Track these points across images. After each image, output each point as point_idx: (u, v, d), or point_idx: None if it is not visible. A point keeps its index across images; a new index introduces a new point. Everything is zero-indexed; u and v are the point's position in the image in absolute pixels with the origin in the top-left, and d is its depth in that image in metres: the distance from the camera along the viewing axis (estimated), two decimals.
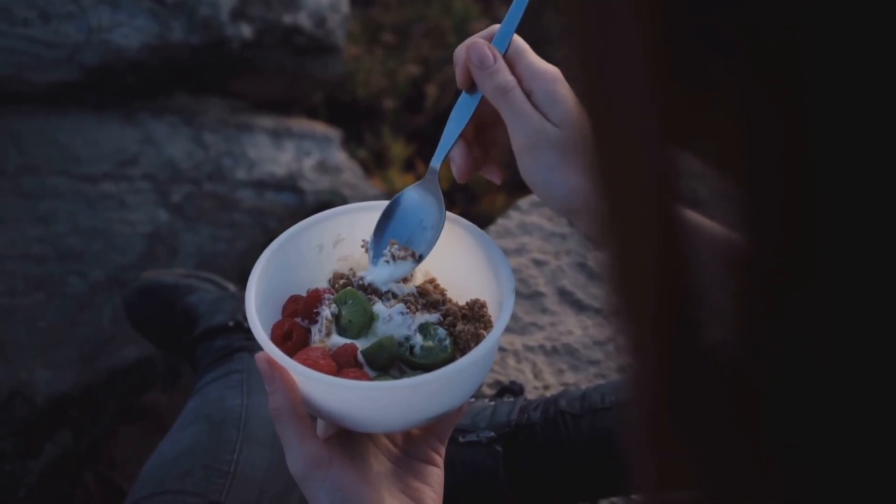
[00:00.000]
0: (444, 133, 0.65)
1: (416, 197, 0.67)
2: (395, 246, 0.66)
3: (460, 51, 0.63)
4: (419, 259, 0.66)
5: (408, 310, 0.65)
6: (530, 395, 1.15)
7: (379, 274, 0.66)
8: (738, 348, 0.26)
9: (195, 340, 1.18)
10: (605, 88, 0.26)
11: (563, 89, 0.61)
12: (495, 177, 0.68)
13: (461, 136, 0.65)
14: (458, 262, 0.69)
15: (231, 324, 1.15)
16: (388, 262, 0.66)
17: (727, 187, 0.24)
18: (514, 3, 0.63)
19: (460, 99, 0.65)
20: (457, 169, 0.65)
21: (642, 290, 0.28)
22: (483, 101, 0.64)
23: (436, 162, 0.66)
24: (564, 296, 1.34)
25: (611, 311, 0.28)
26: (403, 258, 0.66)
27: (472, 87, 0.64)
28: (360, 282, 0.67)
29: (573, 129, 0.60)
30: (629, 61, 0.25)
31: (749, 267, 0.25)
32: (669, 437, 0.29)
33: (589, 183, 0.61)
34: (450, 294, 0.69)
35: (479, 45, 0.62)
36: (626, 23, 0.24)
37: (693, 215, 0.27)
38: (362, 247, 0.68)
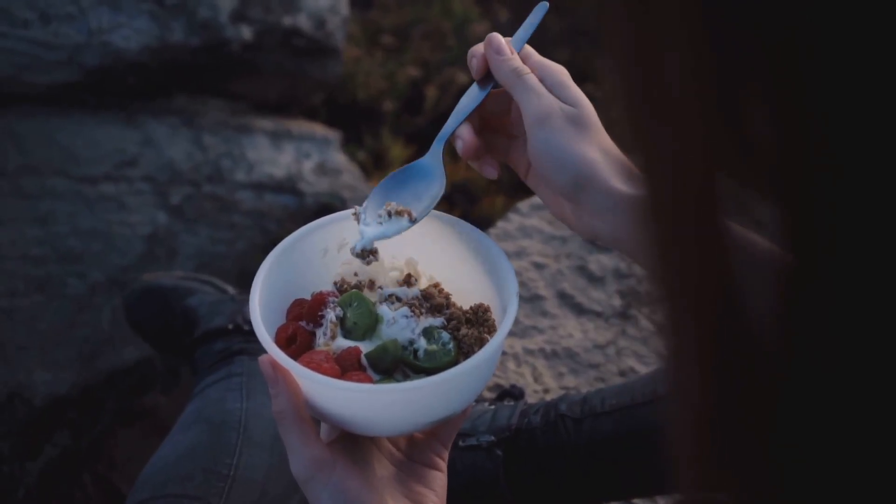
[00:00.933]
0: (452, 114, 0.67)
1: (418, 170, 0.67)
2: (393, 204, 0.65)
3: (477, 45, 0.68)
4: (414, 221, 0.65)
5: (412, 313, 0.66)
6: (530, 398, 1.15)
7: (369, 233, 0.64)
8: (775, 356, 0.26)
9: (194, 343, 1.18)
10: (651, 114, 0.27)
11: (570, 80, 0.65)
12: (492, 171, 0.69)
13: (468, 119, 0.66)
14: (463, 266, 0.69)
15: (231, 326, 1.15)
16: (381, 223, 0.65)
17: (761, 203, 0.25)
18: (532, 14, 0.69)
19: (470, 89, 0.68)
20: (462, 144, 0.66)
21: (689, 301, 0.28)
22: (487, 105, 0.67)
23: (441, 137, 0.67)
24: (564, 299, 1.35)
25: (657, 325, 0.29)
26: (399, 214, 0.64)
27: (483, 79, 0.68)
28: (354, 251, 0.65)
29: (585, 108, 0.64)
30: (674, 88, 0.26)
31: (787, 277, 0.25)
32: (711, 440, 0.30)
33: (602, 160, 0.63)
34: (454, 298, 0.69)
35: (497, 36, 0.67)
36: (668, 48, 0.25)
37: (735, 227, 0.27)
38: (353, 214, 0.66)
